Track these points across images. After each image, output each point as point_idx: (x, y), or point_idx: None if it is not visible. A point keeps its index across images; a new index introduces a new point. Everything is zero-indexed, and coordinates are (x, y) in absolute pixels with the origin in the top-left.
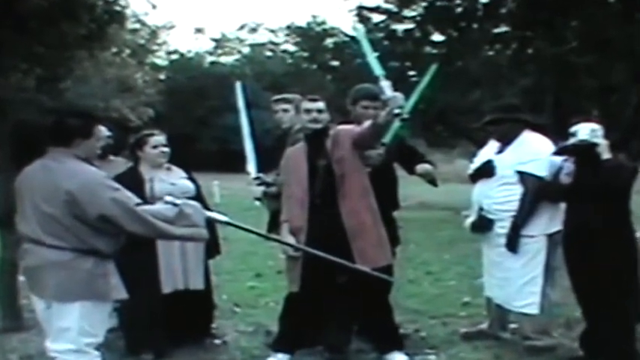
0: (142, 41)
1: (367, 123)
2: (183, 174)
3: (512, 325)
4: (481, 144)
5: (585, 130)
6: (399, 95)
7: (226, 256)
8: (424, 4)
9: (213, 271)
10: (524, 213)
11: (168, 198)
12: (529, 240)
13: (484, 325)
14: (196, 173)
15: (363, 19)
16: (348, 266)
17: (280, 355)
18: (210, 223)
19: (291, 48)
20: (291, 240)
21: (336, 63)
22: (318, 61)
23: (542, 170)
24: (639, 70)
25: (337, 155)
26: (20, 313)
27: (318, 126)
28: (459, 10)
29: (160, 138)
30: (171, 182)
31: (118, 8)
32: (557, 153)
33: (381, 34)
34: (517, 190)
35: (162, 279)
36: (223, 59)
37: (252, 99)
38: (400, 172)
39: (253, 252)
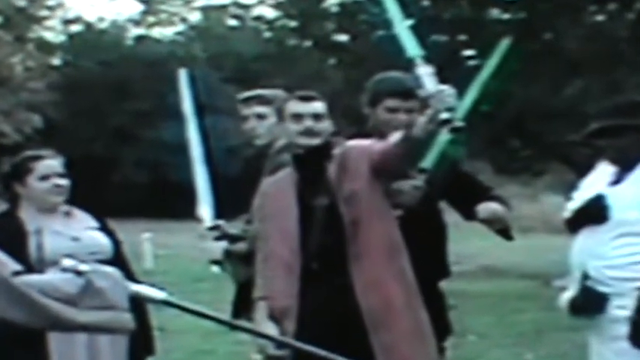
0: (23, 3)
1: (396, 135)
2: (92, 222)
3: None
4: (585, 169)
5: None
6: (447, 90)
7: (165, 359)
8: None
9: None
10: None
11: (67, 262)
12: None
13: None
14: (114, 220)
15: None
16: None
17: None
18: (138, 304)
19: (270, 13)
20: (271, 330)
21: (343, 38)
22: (315, 35)
23: None
24: None
25: (347, 189)
26: None
27: (315, 141)
28: None
29: (52, 163)
30: (72, 236)
31: None
32: None
33: None
34: None
35: None
36: (157, 32)
37: (207, 97)
38: (451, 217)
39: (208, 351)
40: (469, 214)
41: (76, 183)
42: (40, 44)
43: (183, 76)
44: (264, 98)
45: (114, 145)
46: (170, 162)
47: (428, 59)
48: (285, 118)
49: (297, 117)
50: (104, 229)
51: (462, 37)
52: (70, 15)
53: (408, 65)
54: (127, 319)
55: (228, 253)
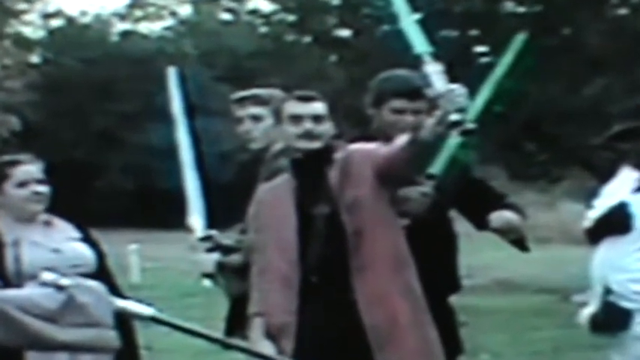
0: None
1: (402, 139)
2: (74, 232)
3: None
4: (607, 175)
5: None
6: (458, 89)
7: None
8: None
9: None
10: None
11: (46, 276)
12: None
13: None
14: (98, 230)
15: None
16: None
17: None
18: (124, 321)
19: (266, 7)
20: (267, 349)
21: (345, 33)
22: (315, 31)
23: None
24: None
25: (349, 196)
26: None
27: (315, 145)
28: None
29: (31, 168)
30: (52, 247)
31: None
32: None
33: None
34: None
35: None
36: (144, 27)
37: (198, 98)
38: (462, 227)
39: None
40: (481, 224)
41: (56, 190)
42: (17, 40)
43: (172, 74)
44: (260, 98)
45: (98, 150)
46: (158, 167)
47: (437, 56)
48: (283, 119)
49: (296, 119)
50: (87, 239)
51: (474, 33)
52: (50, 9)
53: (416, 63)
54: (111, 337)
55: (221, 266)
